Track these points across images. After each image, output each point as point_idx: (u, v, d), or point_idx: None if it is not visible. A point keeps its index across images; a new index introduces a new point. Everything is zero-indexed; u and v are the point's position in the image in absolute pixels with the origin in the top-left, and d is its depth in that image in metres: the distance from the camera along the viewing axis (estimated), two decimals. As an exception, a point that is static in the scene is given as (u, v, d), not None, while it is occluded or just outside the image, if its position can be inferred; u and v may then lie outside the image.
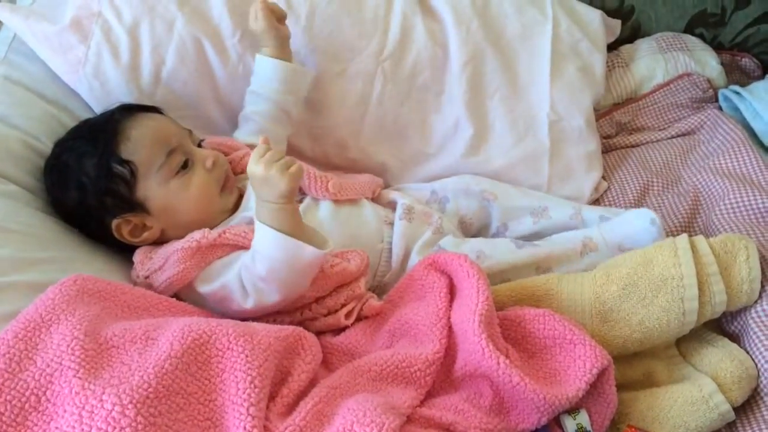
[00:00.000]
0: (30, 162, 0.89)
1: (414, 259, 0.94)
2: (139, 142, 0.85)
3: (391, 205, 1.01)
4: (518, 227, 1.02)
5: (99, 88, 1.00)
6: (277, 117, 1.01)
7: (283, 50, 1.00)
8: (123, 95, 1.01)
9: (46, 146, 0.91)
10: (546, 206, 1.02)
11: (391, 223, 0.97)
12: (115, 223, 0.85)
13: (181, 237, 0.84)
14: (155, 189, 0.85)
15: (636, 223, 0.94)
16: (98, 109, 1.01)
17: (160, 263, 0.83)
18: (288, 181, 0.75)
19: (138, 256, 0.86)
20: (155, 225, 0.87)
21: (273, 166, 0.75)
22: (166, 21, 1.01)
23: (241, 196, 0.94)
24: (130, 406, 0.58)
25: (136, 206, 0.85)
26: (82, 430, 0.57)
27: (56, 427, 0.59)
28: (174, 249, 0.83)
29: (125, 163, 0.84)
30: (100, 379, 0.60)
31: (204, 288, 0.83)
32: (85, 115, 1.00)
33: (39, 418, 0.59)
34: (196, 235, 0.83)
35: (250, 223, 0.87)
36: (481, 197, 1.03)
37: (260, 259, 0.78)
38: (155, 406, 0.60)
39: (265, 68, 1.00)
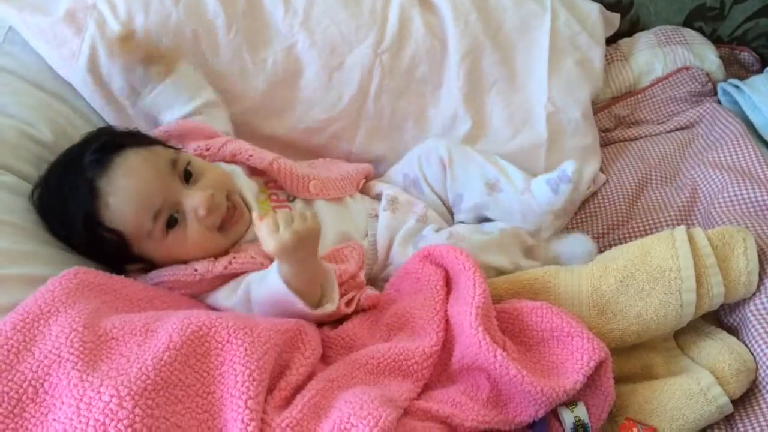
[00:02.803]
0: (27, 150, 0.88)
1: (395, 249, 0.94)
2: (119, 212, 0.77)
3: (379, 198, 1.01)
4: (471, 195, 1.00)
5: (92, 81, 0.99)
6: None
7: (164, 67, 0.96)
8: (116, 89, 1.00)
9: (42, 134, 0.90)
10: (498, 179, 0.99)
11: (376, 216, 0.97)
12: (125, 269, 0.83)
13: None
14: (151, 249, 0.81)
15: (575, 250, 0.96)
16: (92, 101, 1.01)
17: (154, 284, 0.81)
18: (314, 238, 0.75)
19: (131, 275, 0.83)
20: (167, 264, 0.83)
21: (293, 235, 0.72)
22: (160, 16, 1.00)
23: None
24: (128, 398, 0.58)
25: (137, 260, 0.82)
26: (80, 422, 0.57)
27: (54, 419, 0.58)
28: (172, 277, 0.80)
29: (112, 231, 0.78)
30: (98, 371, 0.60)
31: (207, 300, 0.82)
32: (81, 104, 1.00)
33: (36, 410, 0.59)
34: (200, 268, 0.80)
35: (256, 239, 0.85)
36: (441, 164, 1.01)
37: (259, 291, 0.78)
38: (153, 398, 0.59)
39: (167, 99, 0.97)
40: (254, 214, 0.76)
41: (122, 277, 0.78)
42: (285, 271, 0.75)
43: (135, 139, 0.85)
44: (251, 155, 0.94)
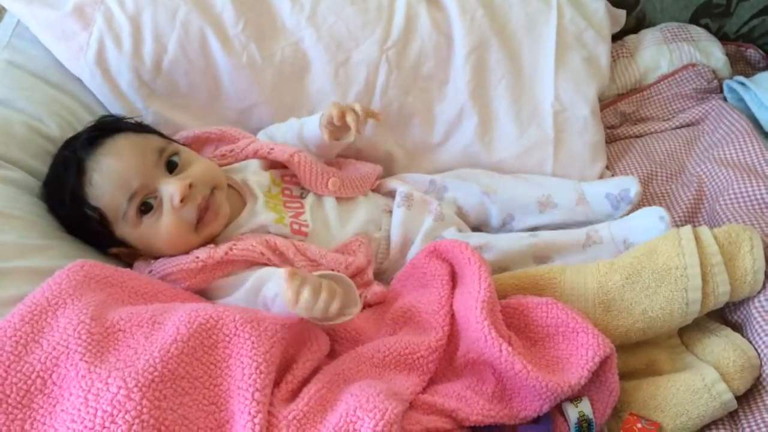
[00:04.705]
0: (34, 144, 0.89)
1: (418, 248, 0.94)
2: (100, 189, 0.80)
3: (391, 194, 1.01)
4: (525, 218, 1.01)
5: (100, 76, 1.00)
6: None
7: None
8: (124, 83, 1.01)
9: (50, 128, 0.91)
10: (548, 193, 1.01)
11: (390, 212, 0.97)
12: (110, 251, 0.85)
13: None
14: (129, 232, 0.83)
15: (644, 219, 0.93)
16: (100, 95, 1.01)
17: (160, 276, 0.82)
18: (337, 305, 0.71)
19: (136, 268, 0.84)
20: (146, 254, 0.85)
21: (314, 312, 0.69)
22: (168, 10, 1.01)
23: (242, 194, 0.92)
24: (135, 390, 0.58)
25: (119, 243, 0.84)
26: (88, 412, 0.58)
27: (62, 410, 0.59)
28: (176, 267, 0.81)
29: (94, 209, 0.81)
30: (105, 363, 0.61)
31: (210, 300, 0.82)
32: (89, 98, 1.01)
33: (45, 401, 0.60)
34: (201, 254, 0.81)
35: (259, 230, 0.87)
36: (480, 193, 1.02)
37: (279, 309, 0.76)
38: (160, 389, 0.60)
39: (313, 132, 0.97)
40: (283, 272, 0.70)
41: (128, 270, 0.79)
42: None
43: (131, 126, 0.89)
44: (272, 149, 0.95)
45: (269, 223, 0.89)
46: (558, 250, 0.93)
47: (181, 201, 0.81)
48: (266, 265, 0.84)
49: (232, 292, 0.82)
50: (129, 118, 0.93)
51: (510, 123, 1.10)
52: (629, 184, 0.98)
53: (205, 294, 0.83)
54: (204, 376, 0.64)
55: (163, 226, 0.82)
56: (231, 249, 0.82)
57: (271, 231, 0.88)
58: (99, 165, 0.81)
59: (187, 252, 0.83)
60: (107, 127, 0.87)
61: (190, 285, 0.81)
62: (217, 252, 0.81)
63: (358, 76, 1.07)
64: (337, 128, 0.93)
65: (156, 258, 0.84)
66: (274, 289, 0.77)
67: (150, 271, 0.82)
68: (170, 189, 0.81)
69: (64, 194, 0.82)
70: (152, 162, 0.83)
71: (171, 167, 0.85)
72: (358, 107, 0.91)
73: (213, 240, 0.86)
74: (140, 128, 0.90)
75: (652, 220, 0.92)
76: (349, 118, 0.90)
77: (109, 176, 0.80)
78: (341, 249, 0.90)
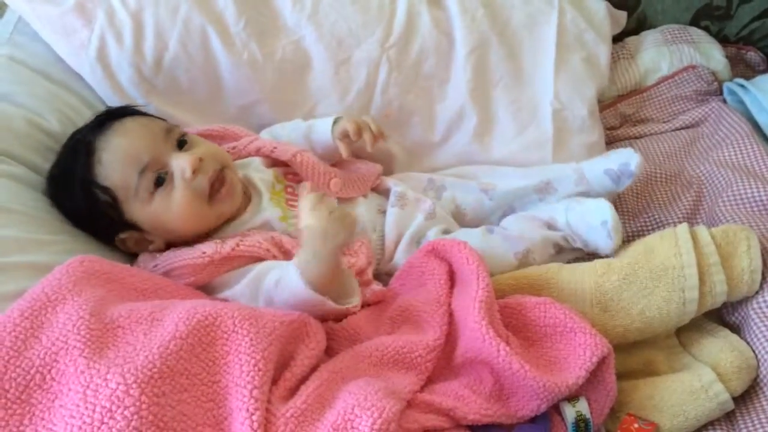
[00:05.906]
0: (34, 140, 0.89)
1: (402, 248, 0.94)
2: (110, 167, 0.81)
3: (387, 193, 1.01)
4: (525, 208, 1.01)
5: (101, 71, 1.00)
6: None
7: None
8: (125, 79, 1.01)
9: (50, 124, 0.92)
10: (548, 179, 1.01)
11: (384, 212, 0.97)
12: (117, 239, 0.85)
13: (189, 243, 0.83)
14: (140, 210, 0.82)
15: (591, 215, 0.92)
16: (101, 91, 1.01)
17: (165, 270, 0.82)
18: (346, 235, 0.73)
19: (141, 262, 0.85)
20: (156, 239, 0.85)
21: (331, 219, 0.72)
22: (170, 7, 1.01)
23: (246, 190, 0.92)
24: (134, 386, 0.58)
25: (129, 226, 0.84)
26: (87, 408, 0.57)
27: (60, 405, 0.59)
28: (182, 261, 0.81)
29: (104, 189, 0.81)
30: (105, 359, 0.60)
31: (213, 294, 0.83)
32: (90, 94, 1.01)
33: (43, 396, 0.60)
34: (208, 249, 0.81)
35: (263, 226, 0.87)
36: (478, 191, 1.02)
37: (282, 295, 0.77)
38: (159, 386, 0.60)
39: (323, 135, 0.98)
40: (302, 185, 0.75)
41: (128, 266, 0.79)
42: (305, 265, 0.74)
43: (139, 111, 0.90)
44: (275, 147, 0.96)
45: (273, 219, 0.89)
46: (531, 243, 0.93)
47: (193, 173, 0.81)
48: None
49: (234, 285, 0.82)
50: (136, 106, 0.94)
51: (509, 122, 1.10)
52: (628, 158, 0.95)
53: (208, 288, 0.83)
54: (202, 372, 0.64)
55: (176, 200, 0.82)
56: (238, 245, 0.82)
57: (275, 228, 0.89)
58: (108, 144, 0.82)
59: (201, 229, 0.83)
60: (115, 112, 0.88)
61: (195, 280, 0.81)
62: (224, 248, 0.81)
63: (358, 74, 1.07)
64: (352, 142, 0.95)
65: (166, 244, 0.85)
66: (276, 276, 0.77)
67: (155, 266, 0.82)
68: (181, 162, 0.82)
69: (73, 179, 0.82)
70: (161, 139, 0.84)
71: (181, 145, 0.86)
72: (373, 126, 0.93)
73: (221, 230, 0.86)
74: (147, 114, 0.92)
75: (595, 219, 0.91)
76: (366, 136, 0.92)
77: (118, 153, 0.81)
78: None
